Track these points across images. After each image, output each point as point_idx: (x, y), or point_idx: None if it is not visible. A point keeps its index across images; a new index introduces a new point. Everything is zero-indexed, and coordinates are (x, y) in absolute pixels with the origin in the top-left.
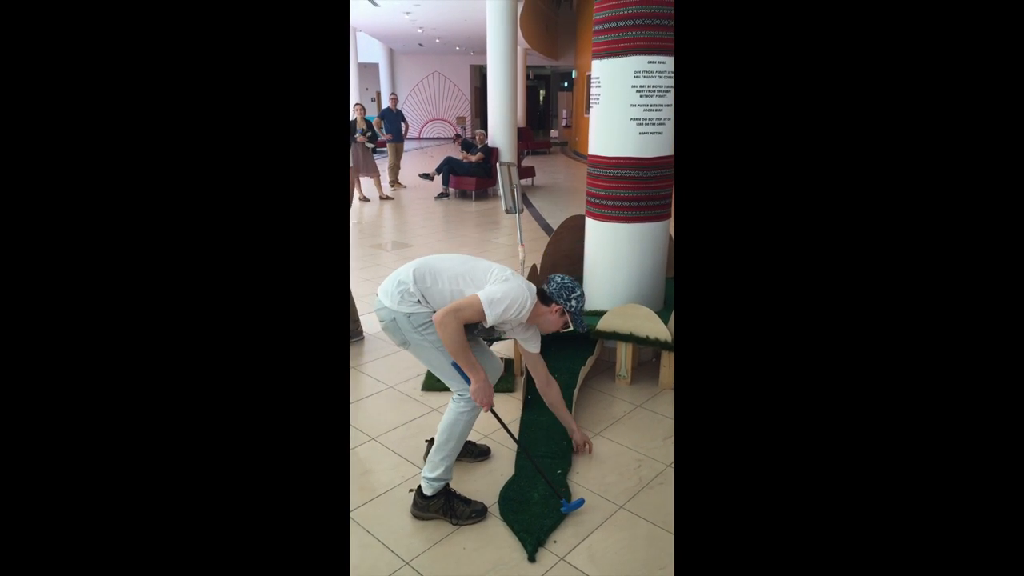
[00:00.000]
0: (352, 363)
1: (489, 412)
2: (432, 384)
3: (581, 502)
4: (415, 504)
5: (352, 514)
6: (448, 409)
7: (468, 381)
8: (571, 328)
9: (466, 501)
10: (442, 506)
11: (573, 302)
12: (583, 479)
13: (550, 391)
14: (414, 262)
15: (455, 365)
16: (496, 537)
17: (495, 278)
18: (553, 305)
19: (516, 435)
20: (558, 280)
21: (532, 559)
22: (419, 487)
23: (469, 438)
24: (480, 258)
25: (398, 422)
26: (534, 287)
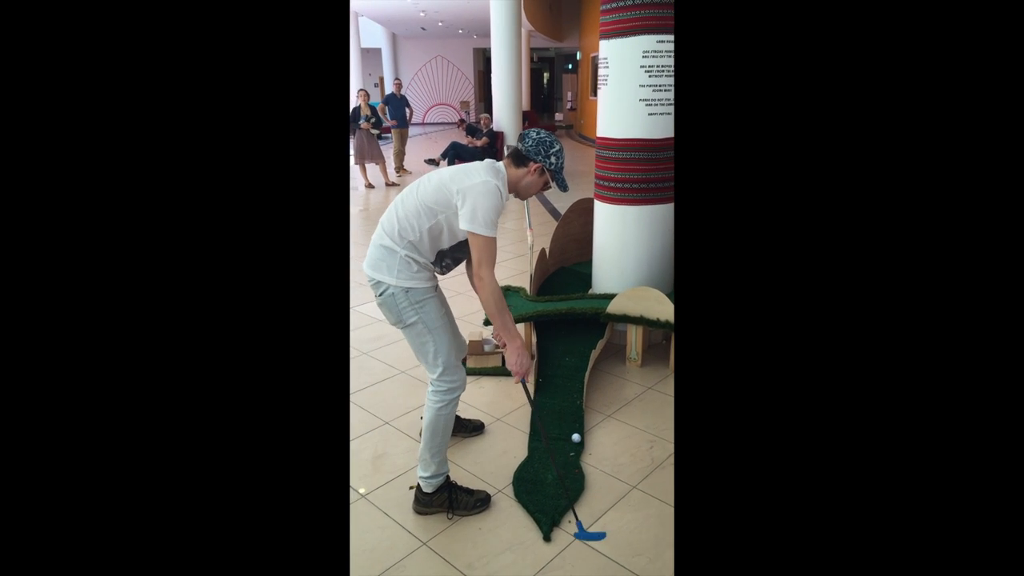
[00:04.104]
0: (364, 349)
1: (520, 384)
2: None
3: (602, 535)
4: (417, 501)
5: (369, 496)
6: (426, 407)
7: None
8: (550, 187)
9: (469, 491)
10: (445, 500)
11: (552, 159)
12: (596, 460)
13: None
14: (385, 228)
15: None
16: (511, 518)
17: (459, 195)
18: (531, 164)
19: (535, 417)
20: (533, 136)
21: (547, 539)
22: (418, 485)
23: (460, 414)
24: (425, 180)
25: (411, 406)
26: (493, 166)
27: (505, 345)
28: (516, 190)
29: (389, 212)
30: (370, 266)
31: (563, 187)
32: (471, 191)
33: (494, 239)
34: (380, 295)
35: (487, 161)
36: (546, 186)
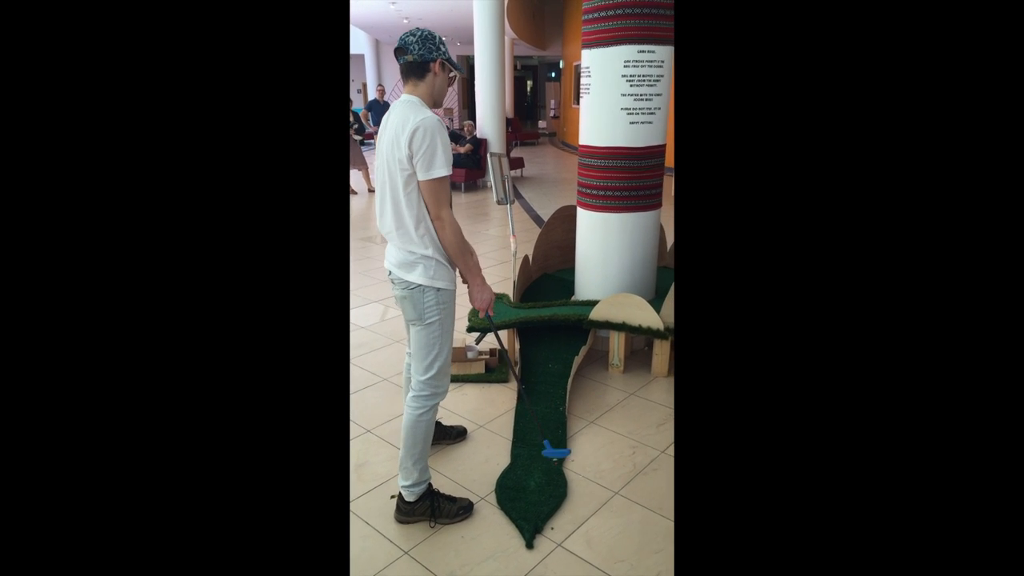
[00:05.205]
0: None
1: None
2: None
3: (566, 452)
4: (398, 510)
5: (350, 505)
6: (405, 413)
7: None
8: (455, 74)
9: (451, 499)
10: (427, 508)
11: (442, 47)
12: (579, 466)
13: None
14: (411, 237)
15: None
16: (494, 525)
17: (411, 158)
18: (432, 66)
19: (508, 354)
20: (413, 40)
21: (530, 546)
22: (400, 494)
23: (443, 420)
24: (381, 168)
25: (393, 414)
26: (415, 106)
27: (467, 283)
28: (435, 101)
29: (405, 226)
30: (400, 268)
31: (460, 69)
32: (431, 135)
33: (448, 179)
34: (409, 289)
35: (408, 105)
36: (453, 79)
